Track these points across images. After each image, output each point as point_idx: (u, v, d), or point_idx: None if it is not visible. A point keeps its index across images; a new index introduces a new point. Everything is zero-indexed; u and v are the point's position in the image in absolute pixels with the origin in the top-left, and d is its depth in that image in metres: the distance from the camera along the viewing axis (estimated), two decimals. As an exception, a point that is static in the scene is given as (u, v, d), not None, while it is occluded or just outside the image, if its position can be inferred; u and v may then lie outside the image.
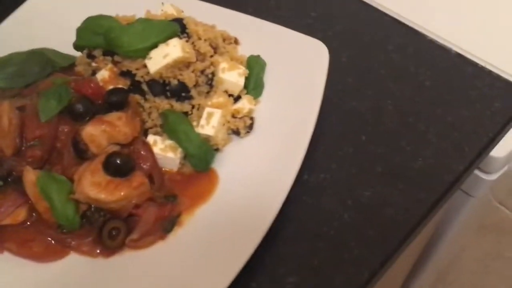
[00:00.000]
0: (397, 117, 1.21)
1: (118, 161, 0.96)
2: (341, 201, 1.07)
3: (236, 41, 1.24)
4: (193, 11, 1.23)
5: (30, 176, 0.95)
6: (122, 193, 0.94)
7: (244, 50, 1.24)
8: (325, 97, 1.10)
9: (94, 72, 1.17)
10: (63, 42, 1.24)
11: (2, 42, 1.25)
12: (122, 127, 1.00)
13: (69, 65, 1.21)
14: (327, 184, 1.10)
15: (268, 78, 1.21)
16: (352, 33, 1.39)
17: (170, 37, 1.08)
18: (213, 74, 1.10)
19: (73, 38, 1.22)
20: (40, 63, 1.16)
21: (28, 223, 0.99)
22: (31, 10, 1.32)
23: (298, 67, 1.19)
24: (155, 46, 1.07)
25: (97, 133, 0.98)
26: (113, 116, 1.01)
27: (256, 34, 1.25)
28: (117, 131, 1.00)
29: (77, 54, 1.22)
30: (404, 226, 1.03)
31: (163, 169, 1.08)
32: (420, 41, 1.36)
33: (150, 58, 1.06)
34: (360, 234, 1.03)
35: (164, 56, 1.05)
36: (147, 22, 1.07)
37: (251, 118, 1.12)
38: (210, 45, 1.12)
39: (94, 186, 0.93)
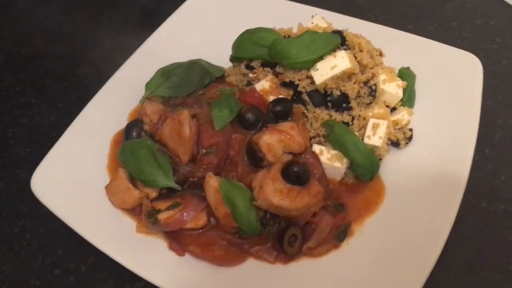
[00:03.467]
0: None
1: (297, 170, 0.98)
2: (523, 235, 1.03)
3: (381, 53, 1.24)
4: (338, 24, 1.24)
5: (213, 182, 0.98)
6: (304, 201, 0.96)
7: (389, 62, 1.24)
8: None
9: (249, 83, 1.20)
10: (207, 53, 1.29)
11: (155, 50, 1.29)
12: (296, 136, 1.02)
13: (221, 76, 1.25)
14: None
15: (418, 89, 1.20)
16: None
17: (334, 49, 1.10)
18: (375, 85, 1.11)
19: (216, 49, 1.26)
20: (199, 74, 1.20)
21: (206, 228, 1.01)
22: (176, 23, 1.37)
23: (449, 79, 1.19)
24: (320, 58, 1.09)
25: (273, 143, 1.01)
26: (286, 126, 1.03)
27: (403, 47, 1.25)
28: (292, 140, 1.02)
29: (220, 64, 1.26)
30: None
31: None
32: None
33: (317, 69, 1.08)
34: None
35: (331, 68, 1.07)
36: (314, 35, 1.09)
37: (411, 130, 1.12)
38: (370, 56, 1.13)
39: (277, 193, 0.96)
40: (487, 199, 1.09)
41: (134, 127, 1.12)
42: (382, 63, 1.19)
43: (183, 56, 1.26)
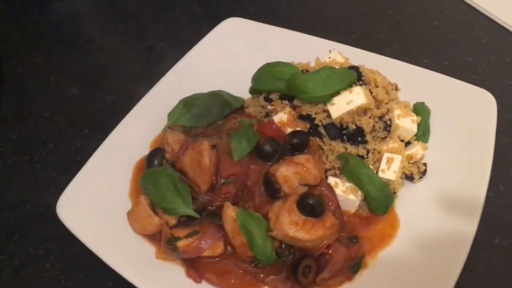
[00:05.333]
0: None
1: (313, 202, 1.01)
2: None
3: (396, 88, 1.27)
4: (355, 58, 1.28)
5: (230, 211, 1.02)
6: (318, 233, 0.99)
7: (404, 97, 1.27)
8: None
9: (267, 114, 1.24)
10: (227, 85, 1.33)
11: (177, 81, 1.34)
12: (312, 169, 1.05)
13: (240, 106, 1.29)
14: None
15: (432, 124, 1.23)
16: None
17: (350, 85, 1.14)
18: (390, 120, 1.14)
19: (236, 81, 1.31)
20: (219, 105, 1.25)
21: (223, 256, 1.04)
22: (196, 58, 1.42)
23: (464, 115, 1.21)
24: (337, 93, 1.12)
25: (290, 174, 1.04)
26: (302, 159, 1.07)
27: (418, 82, 1.28)
28: (307, 173, 1.05)
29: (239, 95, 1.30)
30: None
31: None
32: None
33: (333, 104, 1.12)
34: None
35: (347, 103, 1.11)
36: (331, 70, 1.13)
37: (425, 164, 1.14)
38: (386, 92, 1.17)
39: (292, 224, 0.99)
40: (500, 235, 1.10)
41: (156, 155, 1.16)
42: (397, 98, 1.22)
43: (204, 87, 1.31)
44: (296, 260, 1.00)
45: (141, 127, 1.26)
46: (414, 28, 1.60)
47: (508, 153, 1.25)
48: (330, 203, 1.05)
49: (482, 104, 1.20)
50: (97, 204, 1.12)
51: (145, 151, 1.21)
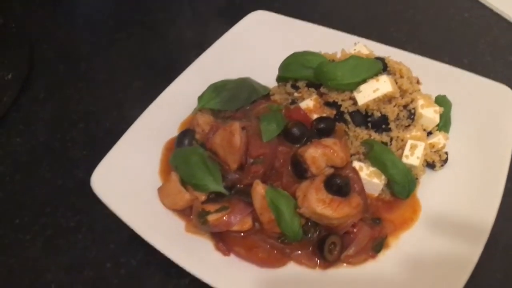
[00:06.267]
0: None
1: (340, 182, 1.05)
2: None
3: (418, 81, 1.32)
4: (378, 53, 1.33)
5: (260, 189, 1.06)
6: (345, 211, 1.03)
7: (425, 90, 1.31)
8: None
9: (293, 101, 1.28)
10: (253, 73, 1.38)
11: (206, 67, 1.39)
12: (339, 151, 1.10)
13: (266, 94, 1.34)
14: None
15: (453, 117, 1.27)
16: None
17: (376, 74, 1.18)
18: (414, 109, 1.18)
19: (262, 70, 1.36)
20: (248, 91, 1.30)
21: (251, 231, 1.08)
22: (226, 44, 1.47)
23: (483, 109, 1.26)
24: (364, 81, 1.17)
25: (318, 156, 1.08)
26: (329, 141, 1.11)
27: (438, 76, 1.33)
28: (335, 155, 1.09)
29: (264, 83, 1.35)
30: None
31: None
32: None
33: (360, 91, 1.16)
34: None
35: (374, 90, 1.15)
36: (358, 59, 1.18)
37: (446, 153, 1.18)
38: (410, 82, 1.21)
39: (320, 202, 1.03)
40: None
41: (186, 135, 1.21)
42: (419, 90, 1.27)
43: (232, 74, 1.35)
44: (322, 237, 1.04)
45: (169, 110, 1.31)
46: (433, 28, 1.65)
47: (526, 146, 1.28)
48: (355, 185, 1.09)
49: (501, 98, 1.24)
50: (128, 180, 1.16)
51: (174, 132, 1.25)
